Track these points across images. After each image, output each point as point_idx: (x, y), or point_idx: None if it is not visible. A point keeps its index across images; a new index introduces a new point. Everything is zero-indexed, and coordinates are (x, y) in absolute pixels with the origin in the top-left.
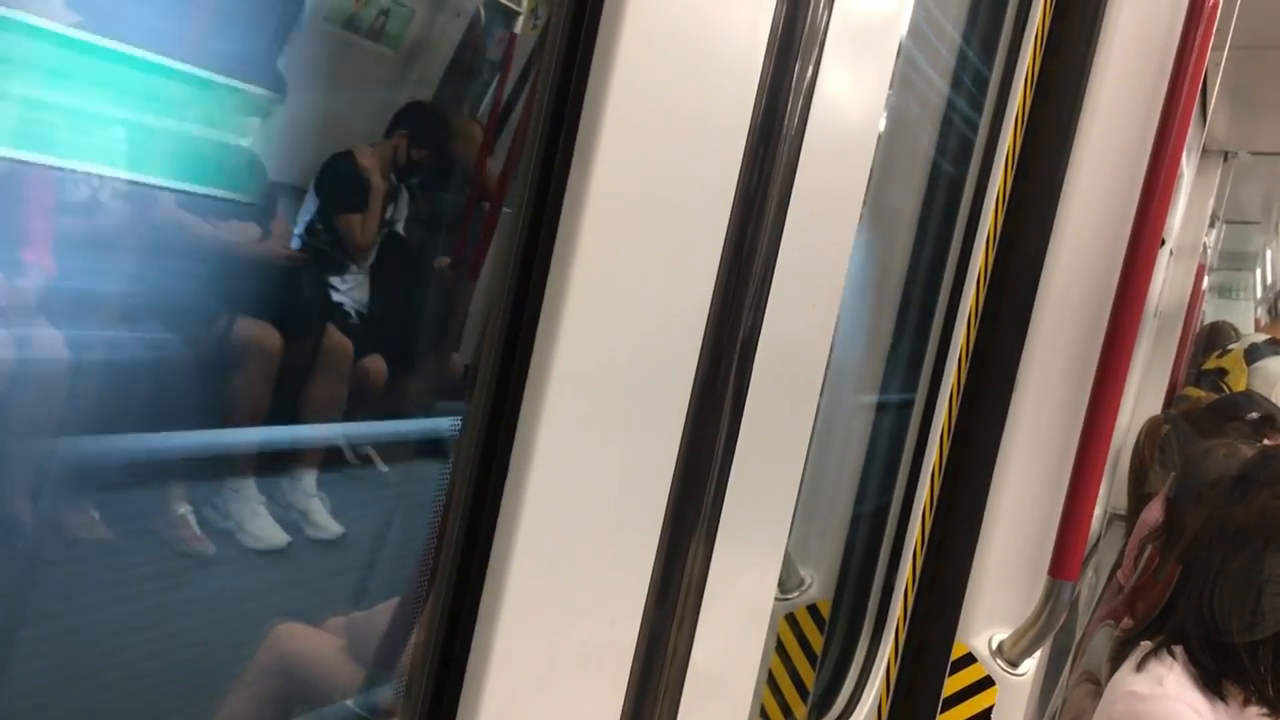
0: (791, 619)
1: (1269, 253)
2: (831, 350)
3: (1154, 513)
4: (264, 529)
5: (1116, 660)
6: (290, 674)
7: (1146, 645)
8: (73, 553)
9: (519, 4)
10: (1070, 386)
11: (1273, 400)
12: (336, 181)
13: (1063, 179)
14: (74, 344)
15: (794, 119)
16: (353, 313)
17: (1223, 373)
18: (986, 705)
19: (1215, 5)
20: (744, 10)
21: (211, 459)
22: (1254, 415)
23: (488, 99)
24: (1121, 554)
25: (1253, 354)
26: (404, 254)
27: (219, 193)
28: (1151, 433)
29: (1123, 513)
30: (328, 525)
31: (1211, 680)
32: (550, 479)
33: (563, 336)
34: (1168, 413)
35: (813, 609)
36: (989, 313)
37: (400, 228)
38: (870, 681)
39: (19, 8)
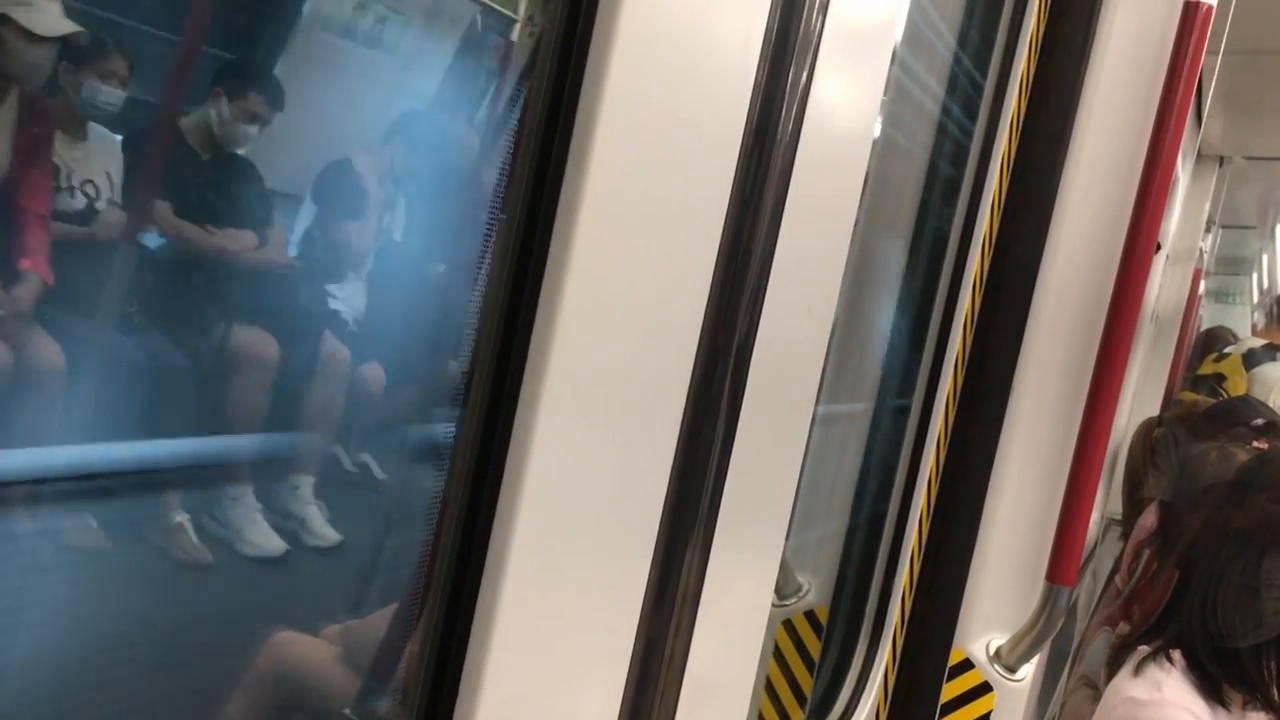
0: (789, 625)
1: (1265, 257)
2: (828, 355)
3: (1150, 518)
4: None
5: (1114, 665)
6: (287, 680)
7: (1144, 650)
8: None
9: (515, 11)
10: (1067, 391)
11: (1271, 406)
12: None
13: (1058, 183)
14: None
15: (788, 124)
16: (350, 320)
17: (1221, 378)
18: (985, 711)
19: (1209, 10)
20: (738, 15)
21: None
22: (1258, 421)
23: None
24: (1119, 559)
25: (1250, 359)
26: (402, 261)
27: None
28: (1145, 435)
29: (1120, 518)
30: (325, 532)
31: (1212, 685)
32: (546, 485)
33: (557, 343)
34: (1163, 415)
35: (810, 615)
36: (985, 317)
37: (397, 235)
38: (868, 688)
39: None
